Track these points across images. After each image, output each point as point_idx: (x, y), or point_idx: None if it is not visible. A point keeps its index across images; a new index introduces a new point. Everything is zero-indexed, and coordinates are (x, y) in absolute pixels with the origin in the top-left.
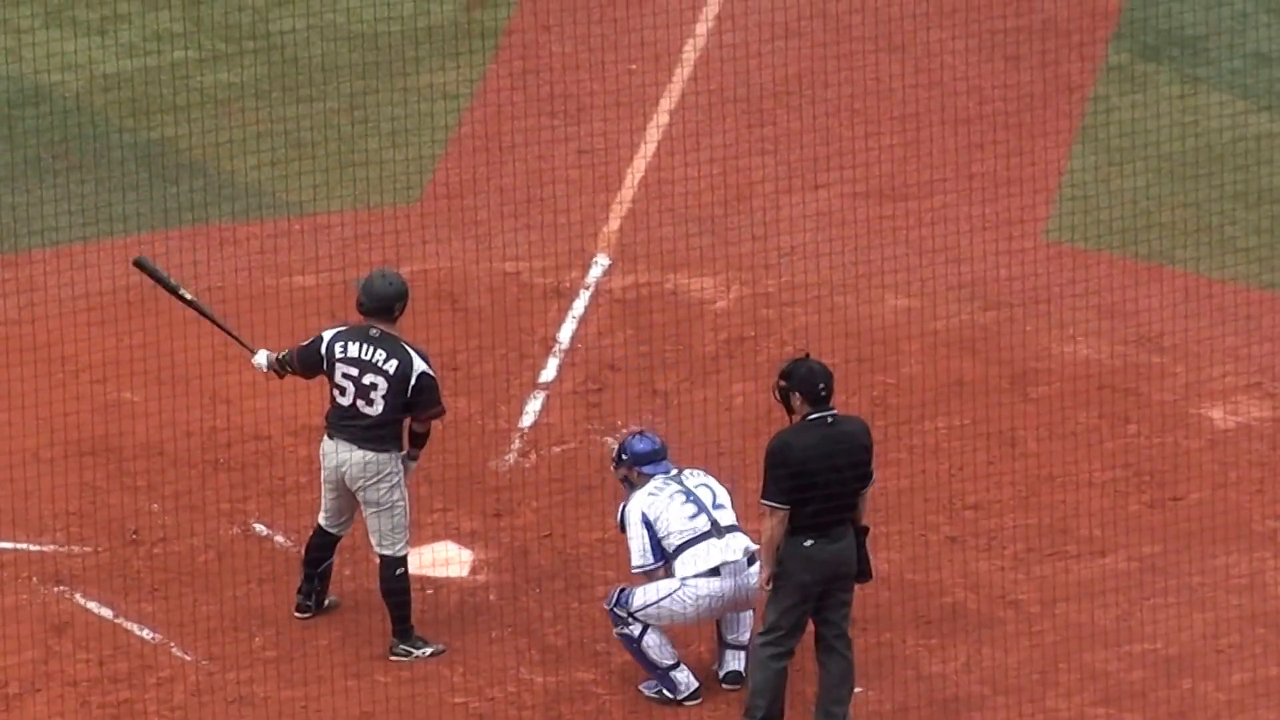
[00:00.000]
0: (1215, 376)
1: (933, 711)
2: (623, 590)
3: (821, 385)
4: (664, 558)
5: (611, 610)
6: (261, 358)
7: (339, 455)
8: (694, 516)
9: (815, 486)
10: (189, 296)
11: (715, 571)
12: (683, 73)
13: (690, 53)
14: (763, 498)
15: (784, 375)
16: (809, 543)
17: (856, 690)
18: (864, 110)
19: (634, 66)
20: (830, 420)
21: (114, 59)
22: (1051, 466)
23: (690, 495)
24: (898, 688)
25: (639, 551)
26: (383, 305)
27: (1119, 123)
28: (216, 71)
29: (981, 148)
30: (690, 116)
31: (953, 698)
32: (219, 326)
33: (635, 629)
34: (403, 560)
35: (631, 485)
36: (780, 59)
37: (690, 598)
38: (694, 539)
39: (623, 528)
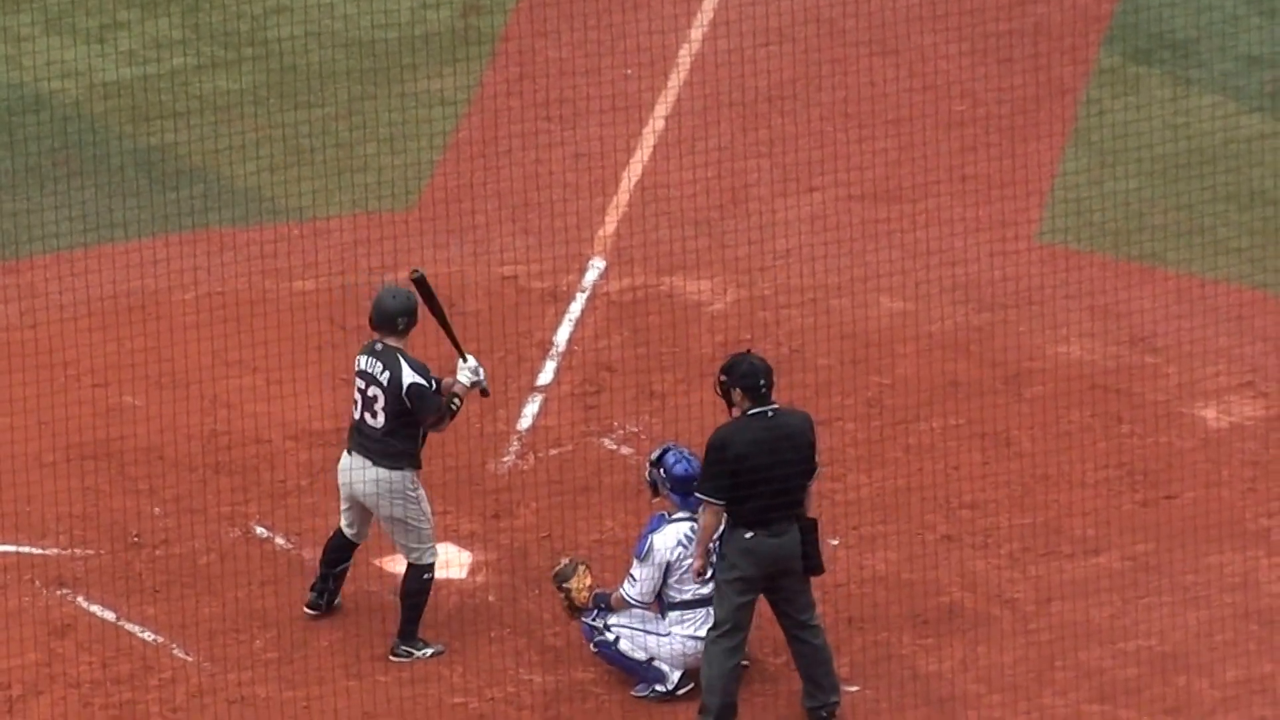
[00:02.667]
0: (1208, 376)
1: (929, 710)
2: (601, 608)
3: (762, 381)
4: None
5: (587, 623)
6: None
7: (353, 474)
8: (706, 579)
9: (756, 481)
10: (446, 319)
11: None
12: (678, 77)
13: (685, 57)
14: (698, 491)
15: (725, 370)
16: (749, 535)
17: (854, 689)
18: (858, 114)
19: (630, 71)
20: (770, 415)
21: (113, 66)
22: (1046, 466)
23: (709, 552)
24: (894, 686)
25: (645, 591)
26: (386, 320)
27: (1111, 125)
28: (215, 78)
29: (974, 150)
30: (685, 120)
31: (949, 696)
32: (453, 340)
33: (610, 636)
34: (430, 566)
35: (656, 493)
36: (774, 63)
37: (674, 650)
38: (695, 603)
39: (641, 555)
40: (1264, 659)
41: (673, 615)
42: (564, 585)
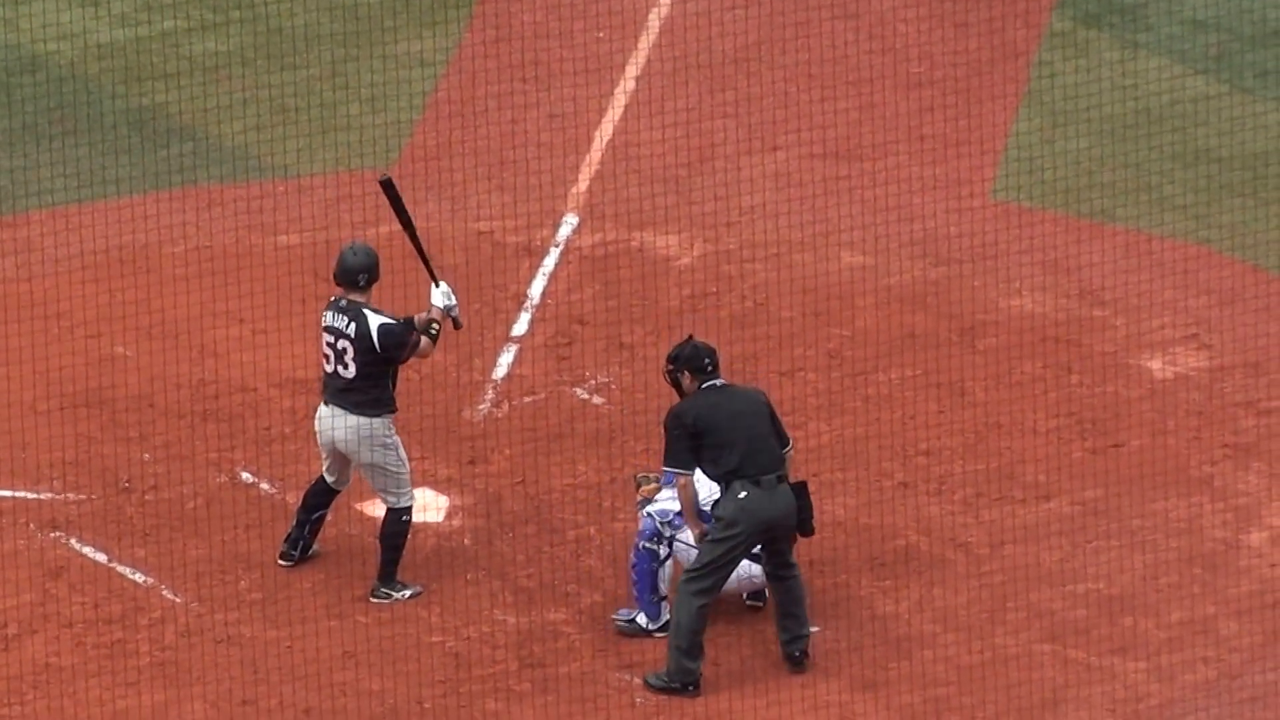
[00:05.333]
0: (1154, 328)
1: (886, 649)
2: (680, 514)
3: (707, 360)
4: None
5: (655, 524)
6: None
7: (333, 422)
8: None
9: (721, 443)
10: (414, 227)
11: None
12: (648, 40)
13: (655, 21)
14: (664, 465)
15: (671, 358)
16: (744, 494)
17: (815, 629)
18: (820, 75)
19: (602, 34)
20: (720, 385)
21: (107, 28)
22: (999, 415)
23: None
24: (853, 627)
25: (670, 508)
26: (349, 277)
27: (1062, 87)
28: (204, 40)
29: (931, 111)
30: (655, 82)
31: (905, 636)
32: (422, 258)
33: (664, 551)
34: (408, 509)
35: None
36: (740, 26)
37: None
38: None
39: (670, 481)
40: (1206, 601)
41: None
42: (641, 478)
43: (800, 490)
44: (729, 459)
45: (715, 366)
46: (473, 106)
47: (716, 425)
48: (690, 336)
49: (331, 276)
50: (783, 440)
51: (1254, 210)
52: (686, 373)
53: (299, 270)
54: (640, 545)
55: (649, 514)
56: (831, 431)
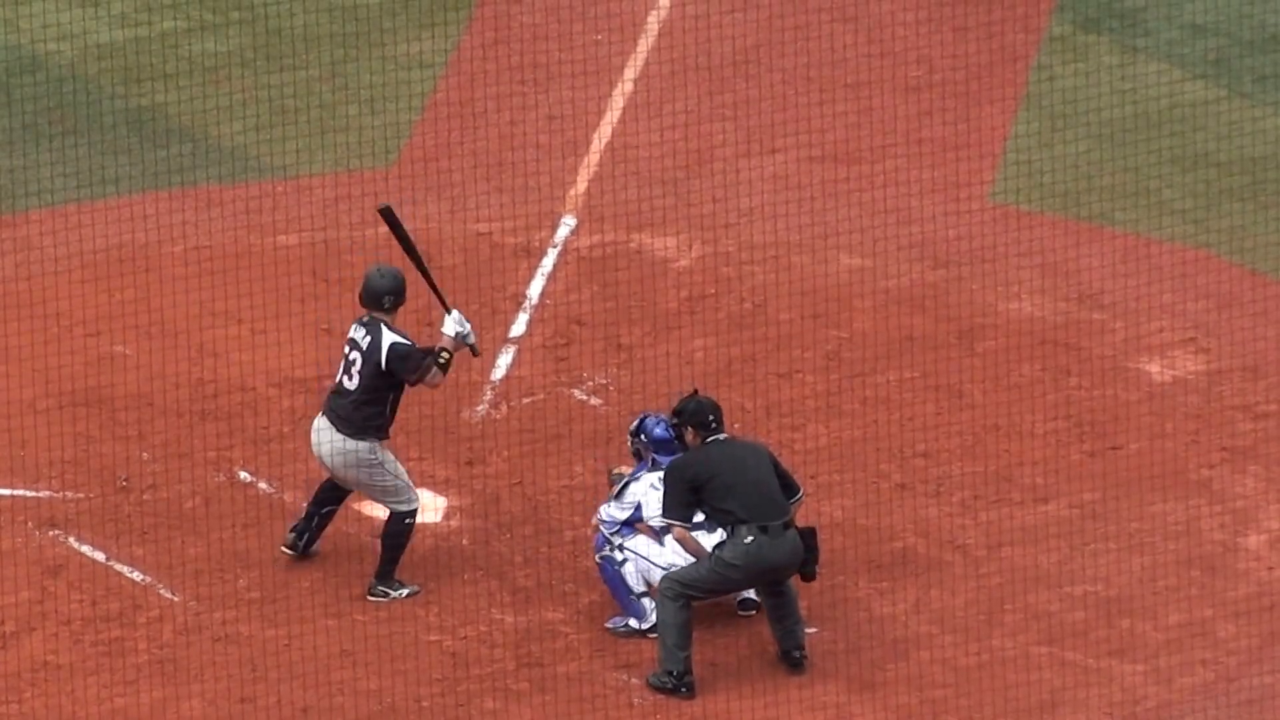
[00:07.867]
0: (1152, 332)
1: (884, 651)
2: (627, 525)
3: (711, 417)
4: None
5: (604, 535)
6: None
7: (319, 436)
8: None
9: (724, 483)
10: (419, 255)
11: None
12: (647, 42)
13: (654, 23)
14: (663, 516)
15: (675, 413)
16: (750, 539)
17: (812, 630)
18: (818, 78)
19: (600, 36)
20: (724, 439)
21: (106, 29)
22: (997, 417)
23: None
24: (850, 628)
25: (612, 522)
26: (374, 298)
27: (1061, 90)
28: (204, 41)
29: (930, 114)
30: (654, 84)
31: (902, 637)
32: (431, 286)
33: (619, 555)
34: (412, 513)
35: (640, 459)
36: (739, 29)
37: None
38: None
39: (619, 493)
40: (1204, 604)
41: (669, 544)
42: (616, 475)
43: (809, 536)
44: (732, 505)
45: (719, 422)
46: (471, 108)
47: (719, 473)
48: (695, 391)
49: (357, 298)
50: (791, 489)
51: (1252, 215)
52: (690, 428)
53: (297, 270)
54: (597, 558)
55: (598, 522)
56: (829, 433)
